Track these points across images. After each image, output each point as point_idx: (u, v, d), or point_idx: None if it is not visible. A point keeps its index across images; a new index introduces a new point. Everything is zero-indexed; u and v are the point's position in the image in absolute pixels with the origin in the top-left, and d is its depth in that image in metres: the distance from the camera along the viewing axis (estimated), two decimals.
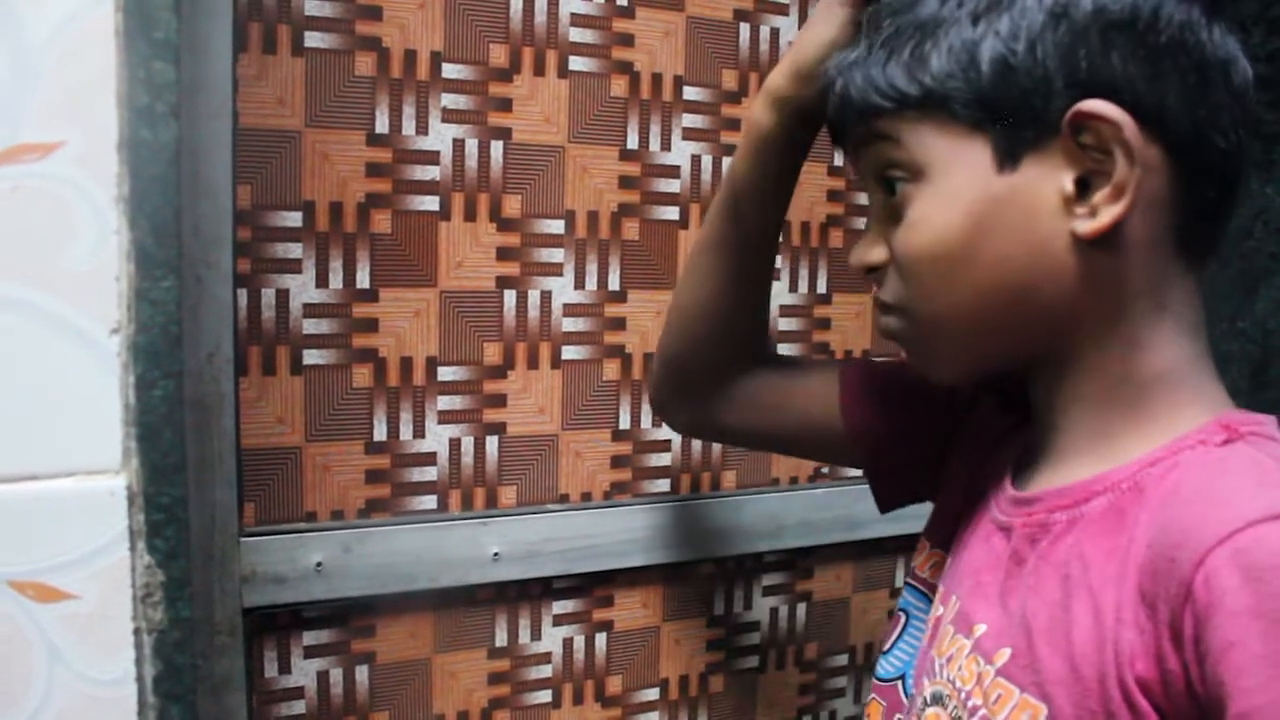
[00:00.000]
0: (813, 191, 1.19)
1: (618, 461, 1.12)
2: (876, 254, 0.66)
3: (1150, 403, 0.60)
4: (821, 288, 1.21)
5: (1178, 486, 0.54)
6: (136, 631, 0.67)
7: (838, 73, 0.65)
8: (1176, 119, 0.56)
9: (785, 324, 1.19)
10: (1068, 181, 0.57)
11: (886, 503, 0.88)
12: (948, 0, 0.59)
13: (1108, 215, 0.56)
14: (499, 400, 1.05)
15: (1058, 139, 0.56)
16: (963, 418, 0.80)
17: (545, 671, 1.11)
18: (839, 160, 1.20)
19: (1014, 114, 0.57)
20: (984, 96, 0.57)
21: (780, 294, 1.18)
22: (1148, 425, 0.59)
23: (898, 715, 0.74)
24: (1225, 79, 0.57)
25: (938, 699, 0.66)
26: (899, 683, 0.76)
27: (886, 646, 0.79)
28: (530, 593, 1.09)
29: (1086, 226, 0.56)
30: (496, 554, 1.04)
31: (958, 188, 0.59)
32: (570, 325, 1.08)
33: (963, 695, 0.62)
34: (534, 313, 1.06)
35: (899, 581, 1.32)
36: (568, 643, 1.12)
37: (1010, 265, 0.59)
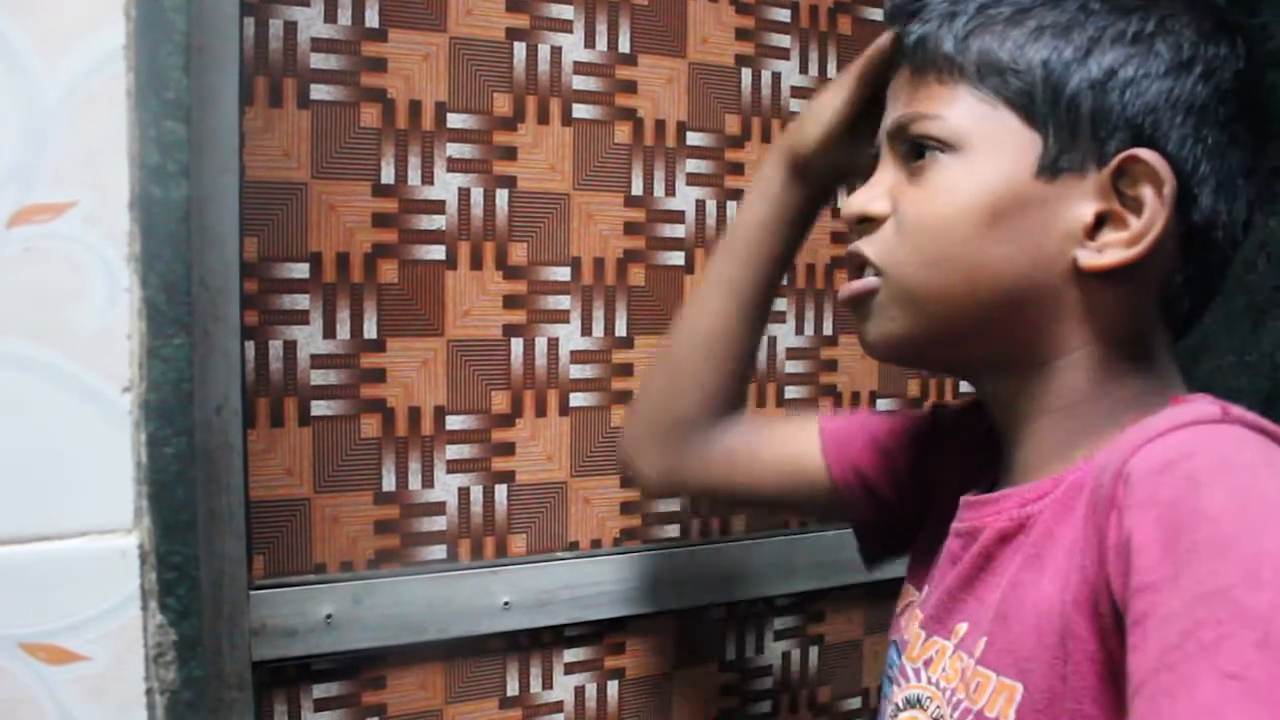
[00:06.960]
0: (816, 233, 1.19)
1: (627, 508, 1.11)
2: (880, 206, 0.64)
3: (1111, 428, 0.59)
4: (828, 329, 1.21)
5: (1116, 442, 0.54)
6: (149, 692, 0.66)
7: (923, 16, 0.63)
8: (1209, 203, 0.58)
9: (792, 366, 1.19)
10: (1090, 212, 0.58)
11: (872, 556, 0.87)
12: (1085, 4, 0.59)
13: (1114, 256, 0.57)
14: (507, 448, 1.05)
15: (1100, 172, 0.57)
16: (939, 464, 0.80)
17: None
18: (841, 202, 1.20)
19: (1077, 132, 0.58)
20: (1062, 103, 0.58)
21: (786, 336, 1.18)
22: (1104, 445, 0.59)
23: None
24: (1256, 182, 0.60)
25: (914, 702, 0.65)
26: None
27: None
28: (541, 641, 1.08)
29: (1093, 260, 0.58)
30: (507, 603, 1.03)
31: (992, 173, 0.59)
32: (577, 372, 1.08)
33: (947, 693, 0.62)
34: (541, 360, 1.06)
35: None
36: (579, 691, 1.11)
37: (1011, 268, 0.59)
